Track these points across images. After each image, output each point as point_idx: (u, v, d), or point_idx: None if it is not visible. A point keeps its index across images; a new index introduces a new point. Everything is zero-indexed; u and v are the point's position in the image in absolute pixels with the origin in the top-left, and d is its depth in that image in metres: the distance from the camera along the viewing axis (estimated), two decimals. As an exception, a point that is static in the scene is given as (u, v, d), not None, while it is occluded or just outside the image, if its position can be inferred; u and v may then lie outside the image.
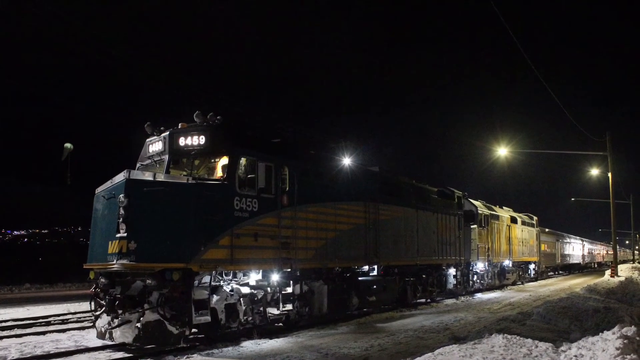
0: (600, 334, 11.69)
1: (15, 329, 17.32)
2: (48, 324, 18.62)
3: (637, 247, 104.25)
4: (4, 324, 18.04)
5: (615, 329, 11.85)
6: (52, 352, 13.17)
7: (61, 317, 19.99)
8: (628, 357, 9.44)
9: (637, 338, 11.20)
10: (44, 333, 16.18)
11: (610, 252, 52.91)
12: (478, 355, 10.57)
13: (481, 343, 11.64)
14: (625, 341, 10.74)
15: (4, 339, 15.16)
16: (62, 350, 13.38)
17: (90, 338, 14.62)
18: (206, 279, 13.05)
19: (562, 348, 11.15)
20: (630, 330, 11.56)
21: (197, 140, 13.75)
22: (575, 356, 10.30)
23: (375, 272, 19.97)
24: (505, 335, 12.00)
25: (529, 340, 11.70)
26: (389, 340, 14.06)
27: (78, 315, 20.24)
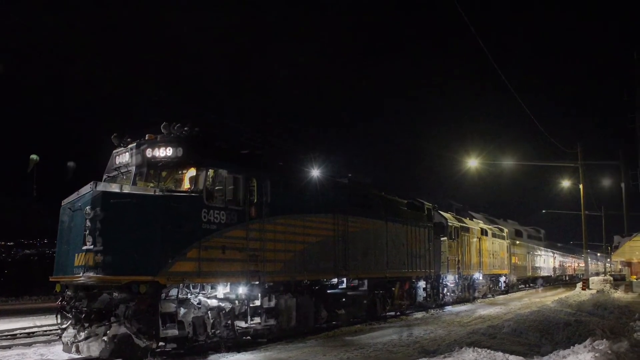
0: (571, 347, 11.76)
1: (-19, 342, 17.03)
2: (14, 337, 18.37)
3: (608, 260, 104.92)
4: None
5: (587, 342, 11.93)
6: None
7: (27, 331, 19.69)
8: (597, 370, 9.50)
9: (609, 352, 11.26)
10: (9, 347, 15.94)
11: (582, 264, 53.32)
12: (446, 369, 10.55)
13: (451, 357, 11.63)
14: (597, 354, 10.78)
15: (-32, 354, 14.91)
16: (28, 364, 13.27)
17: (56, 352, 14.40)
18: (174, 291, 12.92)
19: (534, 362, 11.18)
20: (601, 344, 11.64)
21: (164, 151, 13.64)
22: (545, 370, 10.34)
23: (344, 285, 19.89)
24: (475, 348, 11.99)
25: (500, 353, 11.69)
26: (358, 354, 13.98)
27: (45, 329, 19.94)
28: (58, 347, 14.30)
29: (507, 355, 11.61)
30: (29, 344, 16.37)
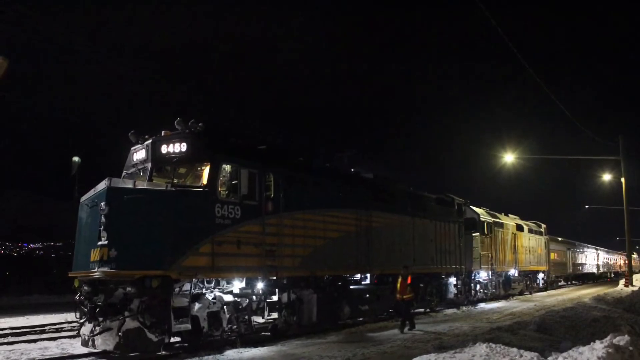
0: (592, 343, 11.50)
1: (9, 336, 17.44)
2: (42, 332, 18.77)
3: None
4: (1, 332, 18.25)
5: (607, 338, 11.64)
6: (37, 358, 13.41)
7: (57, 326, 20.08)
8: (607, 366, 9.32)
9: (630, 348, 11.01)
10: (35, 341, 16.30)
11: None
12: (454, 364, 10.42)
13: (462, 352, 11.47)
14: (610, 350, 10.56)
15: (-4, 347, 15.27)
16: (47, 357, 13.57)
17: (78, 346, 14.60)
18: (187, 286, 13.00)
19: (549, 358, 10.97)
20: (623, 340, 11.36)
21: (178, 147, 13.72)
22: (559, 366, 10.16)
23: (368, 281, 19.79)
24: (489, 344, 11.80)
25: (514, 349, 11.49)
26: (375, 349, 13.88)
27: (74, 324, 20.26)
28: (80, 342, 14.55)
29: (521, 351, 11.41)
30: (55, 339, 16.70)
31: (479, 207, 32.23)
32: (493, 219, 32.50)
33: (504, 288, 33.92)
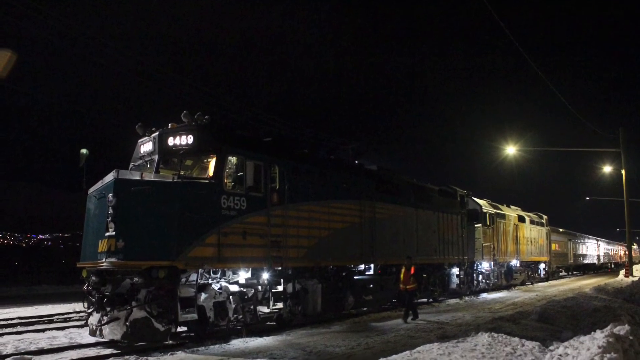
0: (592, 332, 11.63)
1: (18, 326, 17.61)
2: (51, 321, 18.91)
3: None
4: (10, 322, 18.41)
5: (608, 327, 11.78)
6: (45, 347, 13.45)
7: (65, 316, 20.24)
8: (608, 355, 9.39)
9: (630, 337, 11.13)
10: (43, 330, 16.45)
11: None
12: (457, 354, 10.55)
13: (465, 341, 11.62)
14: (610, 339, 10.68)
15: (5, 336, 15.49)
16: (55, 346, 13.63)
17: (85, 335, 14.77)
18: (193, 277, 13.15)
19: (551, 347, 11.10)
20: (623, 329, 11.49)
21: (185, 139, 13.86)
22: (560, 355, 10.23)
23: (371, 271, 19.96)
24: (491, 333, 11.96)
25: (516, 339, 11.65)
26: (378, 339, 14.06)
27: (82, 314, 20.42)
28: (88, 331, 14.72)
29: (523, 340, 11.56)
30: (63, 328, 16.85)
31: (482, 198, 32.42)
32: (495, 210, 32.65)
33: (506, 278, 34.13)
